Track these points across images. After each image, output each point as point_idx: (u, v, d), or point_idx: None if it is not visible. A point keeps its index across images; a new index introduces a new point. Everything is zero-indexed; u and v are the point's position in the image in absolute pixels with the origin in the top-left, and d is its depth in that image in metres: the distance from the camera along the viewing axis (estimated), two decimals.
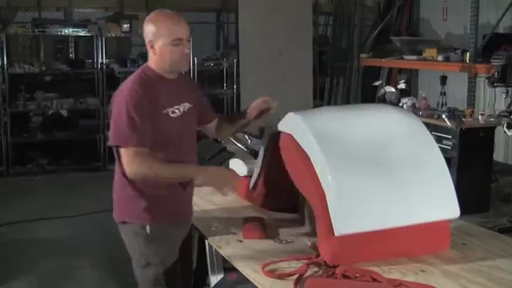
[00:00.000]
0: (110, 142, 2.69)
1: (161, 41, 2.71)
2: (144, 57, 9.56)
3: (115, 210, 2.89)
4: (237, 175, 2.85)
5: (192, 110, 2.86)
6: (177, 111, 2.77)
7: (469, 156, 5.82)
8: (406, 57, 8.01)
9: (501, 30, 7.31)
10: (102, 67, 8.74)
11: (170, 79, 2.79)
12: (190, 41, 2.76)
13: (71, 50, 9.71)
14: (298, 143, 2.70)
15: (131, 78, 2.77)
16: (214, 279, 3.40)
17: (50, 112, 9.09)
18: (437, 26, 9.00)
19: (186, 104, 2.83)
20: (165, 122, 2.72)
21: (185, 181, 2.80)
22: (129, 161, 2.64)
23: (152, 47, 2.74)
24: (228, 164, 3.73)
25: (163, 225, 2.78)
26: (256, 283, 2.40)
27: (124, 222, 2.83)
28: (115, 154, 2.76)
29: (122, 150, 2.66)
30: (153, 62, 2.78)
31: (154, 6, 10.13)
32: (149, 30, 2.74)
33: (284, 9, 9.08)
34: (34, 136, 8.76)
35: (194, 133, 2.96)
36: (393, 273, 2.41)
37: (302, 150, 2.65)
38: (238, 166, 3.60)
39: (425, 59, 7.64)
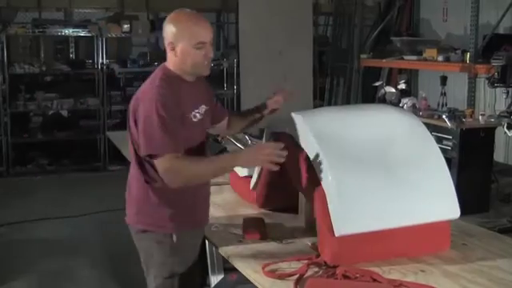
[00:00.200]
0: (143, 152, 2.55)
1: (182, 43, 2.60)
2: (144, 57, 9.69)
3: (132, 217, 2.73)
4: (275, 145, 2.57)
5: (208, 112, 2.77)
6: (197, 115, 2.67)
7: (469, 156, 5.82)
8: (406, 57, 8.00)
9: (501, 31, 7.31)
10: (102, 67, 8.75)
11: (189, 82, 2.69)
12: (212, 44, 2.65)
13: (71, 50, 9.71)
14: (297, 143, 2.71)
15: (153, 80, 2.64)
16: (215, 279, 3.41)
17: (51, 112, 9.11)
18: (437, 26, 9.00)
19: (203, 106, 2.73)
20: (189, 126, 2.62)
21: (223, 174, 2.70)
22: (166, 169, 2.51)
23: (173, 49, 2.63)
24: None
25: (189, 232, 2.71)
26: (256, 283, 2.40)
27: (145, 231, 2.68)
28: (132, 160, 2.67)
29: (158, 159, 2.52)
30: (172, 63, 2.67)
31: (155, 7, 10.19)
32: (169, 30, 2.62)
33: (284, 9, 9.07)
34: (34, 136, 8.77)
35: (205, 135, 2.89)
36: (393, 273, 2.41)
37: (303, 150, 2.66)
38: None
39: (425, 59, 7.64)
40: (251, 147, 2.63)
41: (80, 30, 8.83)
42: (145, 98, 2.57)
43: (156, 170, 2.56)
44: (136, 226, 2.71)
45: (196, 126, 2.66)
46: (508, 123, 5.90)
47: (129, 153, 2.74)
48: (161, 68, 2.71)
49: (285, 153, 2.49)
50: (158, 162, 2.52)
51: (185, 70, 2.66)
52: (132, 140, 2.65)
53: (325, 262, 2.48)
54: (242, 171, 3.51)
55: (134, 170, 2.69)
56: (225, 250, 2.73)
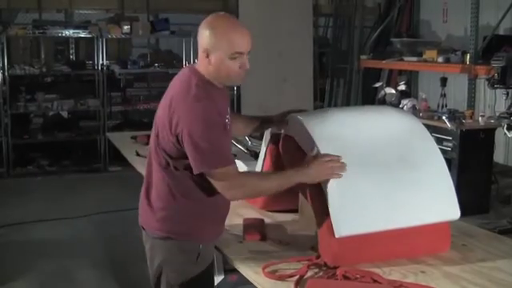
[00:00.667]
0: (199, 169, 2.41)
1: (218, 53, 2.45)
2: (144, 58, 9.70)
3: (153, 224, 2.62)
4: (337, 157, 2.50)
5: (230, 117, 2.63)
6: (228, 122, 2.55)
7: (469, 157, 5.83)
8: (406, 58, 8.01)
9: (501, 32, 7.32)
10: (102, 68, 8.75)
11: (220, 88, 2.57)
12: (249, 55, 2.50)
13: (72, 51, 9.71)
14: (298, 145, 2.71)
15: (188, 87, 2.48)
16: (215, 281, 3.41)
17: (51, 113, 9.11)
18: (437, 27, 9.01)
19: (228, 110, 2.64)
20: (228, 134, 2.54)
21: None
22: (223, 185, 2.44)
23: (207, 56, 2.47)
24: None
25: (213, 242, 2.70)
26: (256, 284, 2.41)
27: (167, 238, 2.59)
28: (158, 167, 2.56)
29: (216, 174, 2.43)
30: (205, 69, 2.51)
31: (155, 8, 10.18)
32: (205, 36, 2.46)
33: (284, 10, 9.09)
34: (34, 137, 8.76)
35: None
36: (393, 274, 2.41)
37: (303, 151, 2.66)
38: (238, 167, 3.60)
39: (425, 61, 7.64)
40: (315, 162, 2.50)
41: (80, 31, 8.82)
42: (185, 110, 2.43)
43: (189, 181, 2.50)
44: (156, 232, 2.61)
45: (230, 133, 2.58)
46: (508, 124, 5.90)
47: (150, 156, 2.64)
48: (192, 72, 2.55)
49: (345, 163, 2.47)
50: (216, 176, 2.43)
51: (217, 79, 2.53)
52: (160, 150, 2.54)
53: (325, 263, 2.48)
54: None
55: (161, 176, 2.58)
56: (225, 251, 2.73)
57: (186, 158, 2.45)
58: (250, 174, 2.57)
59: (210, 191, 2.52)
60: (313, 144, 2.57)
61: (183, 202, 2.56)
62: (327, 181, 2.47)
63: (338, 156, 2.50)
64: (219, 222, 2.70)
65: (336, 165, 2.48)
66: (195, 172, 2.43)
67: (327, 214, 2.47)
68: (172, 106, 2.47)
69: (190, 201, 2.56)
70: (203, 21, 2.52)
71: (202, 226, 2.60)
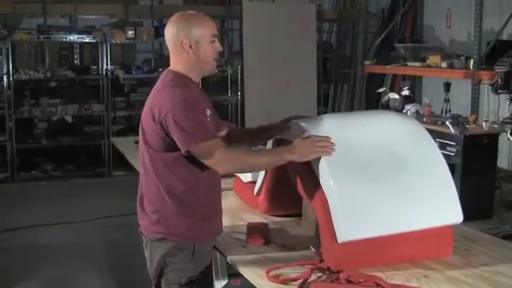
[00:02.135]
0: (187, 147, 2.49)
1: (200, 39, 2.62)
2: (148, 63, 9.72)
3: (149, 227, 2.68)
4: (326, 138, 2.58)
5: (211, 117, 2.70)
6: (208, 115, 2.65)
7: (472, 163, 5.81)
8: (409, 63, 8.02)
9: (504, 37, 7.32)
10: (106, 73, 8.78)
11: (196, 83, 2.72)
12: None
13: (76, 56, 9.74)
14: None
15: (164, 83, 2.63)
16: (219, 285, 3.42)
17: (55, 118, 9.15)
18: (441, 32, 9.02)
19: (208, 110, 2.69)
20: (207, 118, 2.63)
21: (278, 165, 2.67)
22: (212, 159, 2.51)
23: (190, 47, 2.61)
24: None
25: (208, 241, 2.72)
26: None
27: (162, 239, 2.64)
28: (149, 169, 2.63)
29: (198, 149, 2.49)
30: (182, 63, 2.65)
31: (159, 13, 10.20)
32: (181, 29, 2.62)
33: (288, 16, 9.10)
34: (38, 142, 8.79)
35: None
36: (396, 278, 2.42)
37: None
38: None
39: (429, 66, 7.65)
40: (304, 140, 2.59)
41: (85, 36, 8.86)
42: (164, 97, 2.57)
43: (177, 179, 2.57)
44: (152, 234, 2.66)
45: (211, 126, 2.64)
46: (511, 129, 5.90)
47: (141, 163, 2.70)
48: (167, 72, 2.70)
49: (334, 143, 2.55)
50: (204, 152, 2.51)
51: (196, 68, 2.67)
52: (147, 149, 2.62)
53: (328, 267, 2.49)
54: (245, 177, 3.52)
55: (150, 179, 2.64)
56: (229, 255, 2.74)
57: (172, 149, 2.54)
58: (238, 148, 2.63)
59: (199, 190, 2.61)
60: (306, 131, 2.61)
61: (175, 202, 2.61)
62: (329, 186, 2.48)
63: (327, 136, 2.58)
64: (212, 220, 2.71)
65: (325, 143, 2.55)
66: (183, 150, 2.52)
67: (330, 218, 2.48)
68: (151, 100, 2.63)
69: (182, 200, 2.60)
70: (169, 21, 2.69)
71: (194, 224, 2.63)
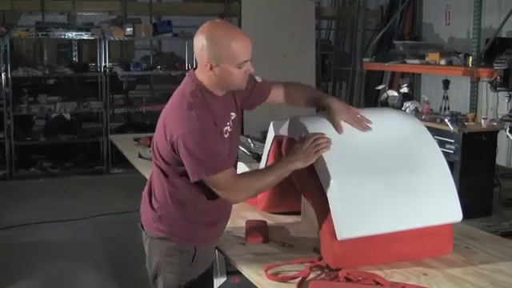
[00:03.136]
0: (196, 177, 2.40)
1: (224, 65, 2.40)
2: (147, 60, 9.71)
3: (151, 223, 2.64)
4: (320, 136, 2.54)
5: (236, 118, 2.62)
6: (228, 128, 2.54)
7: (471, 160, 5.81)
8: (408, 61, 8.01)
9: (503, 35, 7.32)
10: (105, 71, 8.76)
11: (219, 96, 2.53)
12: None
13: (74, 53, 9.75)
14: None
15: (184, 94, 2.47)
16: (217, 282, 3.41)
17: (54, 115, 9.14)
18: (439, 30, 9.02)
19: (232, 114, 2.60)
20: (224, 143, 2.51)
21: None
22: (224, 191, 2.46)
23: (211, 69, 2.42)
24: None
25: (209, 245, 2.71)
26: (259, 286, 2.41)
27: (165, 238, 2.60)
28: (157, 168, 2.57)
29: (208, 180, 2.41)
30: (208, 79, 2.47)
31: (158, 10, 10.16)
32: (206, 48, 2.40)
33: (287, 13, 9.09)
34: (37, 139, 8.80)
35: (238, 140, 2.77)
36: (395, 276, 2.41)
37: None
38: (240, 169, 3.60)
39: (427, 63, 7.64)
40: (301, 145, 2.54)
41: (83, 34, 8.84)
42: (178, 118, 2.42)
43: (185, 187, 2.51)
44: (153, 231, 2.63)
45: (226, 141, 2.53)
46: (510, 127, 5.90)
47: (153, 157, 2.64)
48: (191, 79, 2.52)
49: (330, 138, 2.52)
50: (215, 183, 2.43)
51: (222, 88, 2.51)
52: (158, 149, 2.55)
53: (327, 265, 2.49)
54: None
55: (158, 178, 2.60)
56: (227, 253, 2.74)
57: (182, 165, 2.45)
58: (247, 175, 2.55)
59: (206, 197, 2.54)
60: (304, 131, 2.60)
61: (177, 206, 2.57)
62: (329, 183, 2.47)
63: (321, 133, 2.54)
64: (215, 226, 2.68)
65: (321, 141, 2.51)
66: (192, 180, 2.43)
67: (329, 216, 2.47)
68: (167, 114, 2.49)
69: (185, 205, 2.57)
70: (199, 31, 2.44)
71: (195, 229, 2.60)
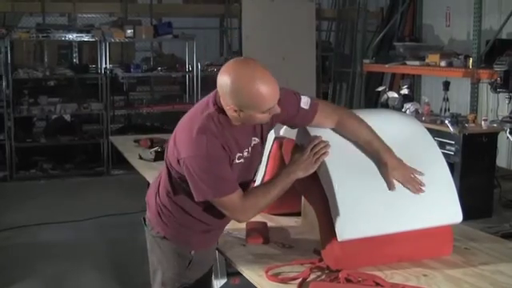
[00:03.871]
0: (198, 199, 2.41)
1: (249, 111, 2.33)
2: (147, 62, 9.71)
3: (153, 220, 2.68)
4: (317, 142, 2.52)
5: (257, 144, 2.57)
6: (245, 153, 2.51)
7: (472, 161, 5.82)
8: (408, 62, 8.02)
9: (504, 36, 7.33)
10: (105, 72, 8.75)
11: (236, 125, 2.45)
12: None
13: (75, 55, 9.74)
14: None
15: (201, 117, 2.39)
16: (218, 283, 3.42)
17: (54, 117, 9.14)
18: (440, 31, 9.02)
19: (254, 139, 2.55)
20: (233, 168, 2.47)
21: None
22: (231, 212, 2.46)
23: (235, 111, 2.34)
24: None
25: (208, 248, 2.72)
26: (259, 287, 2.41)
27: (165, 238, 2.64)
28: (167, 171, 2.57)
29: (215, 201, 2.42)
30: (229, 114, 2.39)
31: (158, 12, 10.15)
32: (230, 94, 2.31)
33: (287, 14, 9.10)
34: (37, 141, 8.79)
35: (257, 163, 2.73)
36: (395, 277, 2.41)
37: None
38: None
39: (428, 65, 7.65)
40: (300, 155, 2.52)
41: (83, 35, 8.84)
42: (187, 140, 2.38)
43: (184, 193, 2.52)
44: (155, 228, 2.67)
45: (236, 166, 2.48)
46: (511, 128, 5.90)
47: (165, 157, 2.63)
48: (212, 102, 2.43)
49: (326, 141, 2.50)
50: (220, 204, 2.43)
51: (244, 123, 2.45)
52: (168, 158, 2.54)
53: (327, 266, 2.49)
54: None
55: (163, 180, 2.63)
56: (228, 254, 2.74)
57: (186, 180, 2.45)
58: (252, 194, 2.50)
59: (201, 208, 2.55)
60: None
61: (176, 210, 2.59)
62: (329, 184, 2.48)
63: (318, 137, 2.53)
64: (213, 232, 2.70)
65: (320, 148, 2.50)
66: (197, 200, 2.44)
67: (330, 217, 2.47)
68: (180, 128, 2.47)
69: (183, 211, 2.58)
70: (224, 69, 2.35)
71: (192, 234, 2.62)
